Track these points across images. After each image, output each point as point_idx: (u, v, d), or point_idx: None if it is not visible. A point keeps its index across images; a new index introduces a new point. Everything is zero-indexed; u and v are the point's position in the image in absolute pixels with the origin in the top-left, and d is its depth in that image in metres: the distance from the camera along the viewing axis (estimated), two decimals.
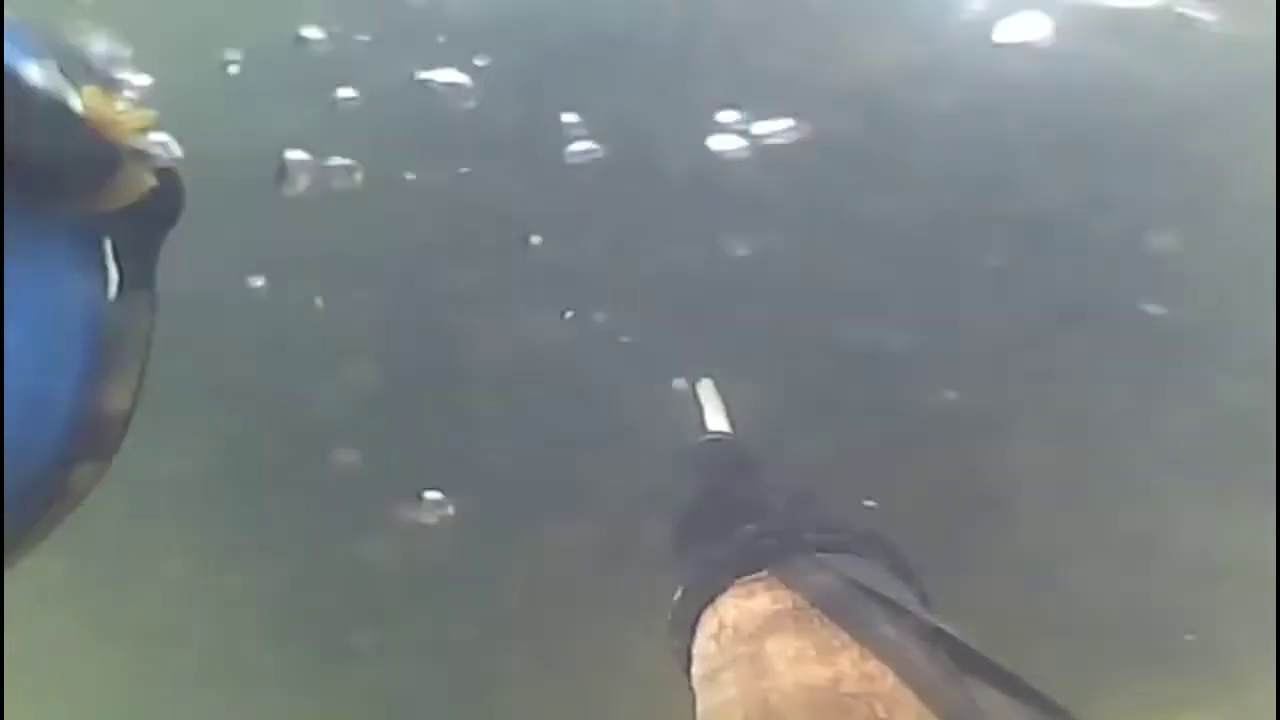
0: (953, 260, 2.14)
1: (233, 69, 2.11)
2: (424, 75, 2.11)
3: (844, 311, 2.10)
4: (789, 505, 1.37)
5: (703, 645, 1.21)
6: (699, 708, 1.16)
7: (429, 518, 2.10)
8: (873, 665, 1.06)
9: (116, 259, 0.97)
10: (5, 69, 0.81)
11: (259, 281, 2.11)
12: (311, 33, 2.11)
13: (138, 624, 2.31)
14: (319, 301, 2.14)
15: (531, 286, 2.14)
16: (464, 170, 2.13)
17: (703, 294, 2.13)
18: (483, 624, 2.16)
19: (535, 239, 2.13)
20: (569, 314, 2.13)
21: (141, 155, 0.94)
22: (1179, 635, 2.11)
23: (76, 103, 0.91)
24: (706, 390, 1.71)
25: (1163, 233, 2.07)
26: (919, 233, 2.10)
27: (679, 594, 1.27)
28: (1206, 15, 2.05)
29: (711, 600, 1.22)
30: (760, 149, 2.08)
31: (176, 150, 0.98)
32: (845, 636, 1.09)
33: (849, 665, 1.06)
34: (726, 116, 2.07)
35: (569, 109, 2.09)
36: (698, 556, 1.30)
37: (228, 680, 2.28)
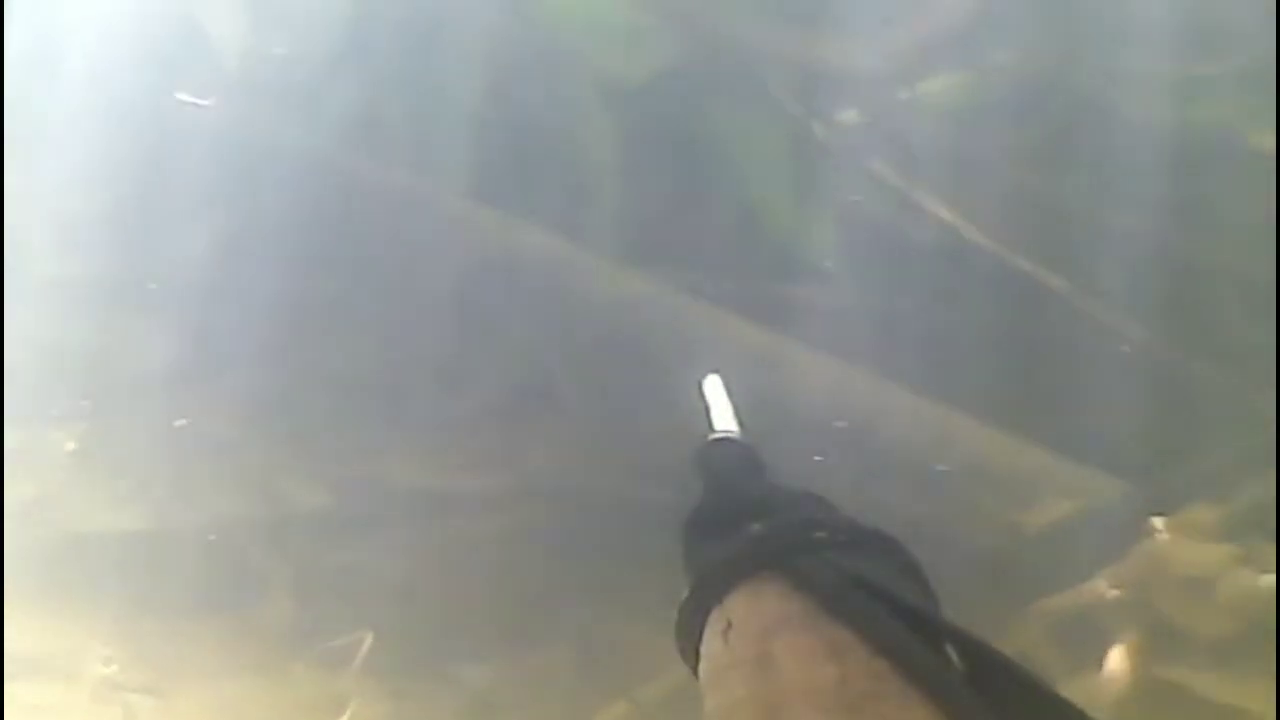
0: None
1: None
2: None
3: None
4: (797, 504, 1.36)
5: (710, 645, 1.21)
6: (706, 707, 1.16)
7: None
8: (881, 665, 1.06)
9: None
10: None
11: None
12: None
13: None
14: None
15: None
16: None
17: None
18: None
19: None
20: None
21: None
22: None
23: None
24: (713, 388, 1.69)
25: None
26: None
27: (686, 593, 1.27)
28: None
29: (719, 600, 1.22)
30: None
31: None
32: (853, 636, 1.09)
33: (857, 665, 1.06)
34: None
35: None
36: (705, 555, 1.30)
37: None
